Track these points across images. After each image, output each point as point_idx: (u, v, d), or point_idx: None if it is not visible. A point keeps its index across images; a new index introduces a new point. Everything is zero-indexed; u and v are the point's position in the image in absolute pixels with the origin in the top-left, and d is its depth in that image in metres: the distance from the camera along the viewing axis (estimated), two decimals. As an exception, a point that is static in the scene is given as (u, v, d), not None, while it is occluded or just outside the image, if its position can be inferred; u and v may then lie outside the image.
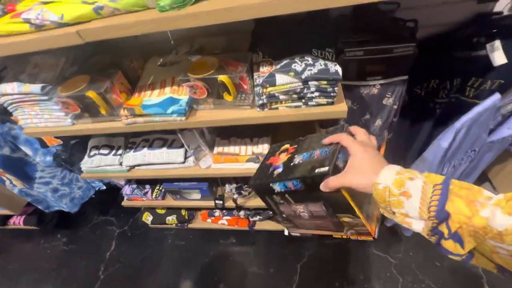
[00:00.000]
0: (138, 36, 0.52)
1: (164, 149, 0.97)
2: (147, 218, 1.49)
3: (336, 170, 0.43)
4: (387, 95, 0.77)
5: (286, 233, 1.34)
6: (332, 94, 0.62)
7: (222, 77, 0.65)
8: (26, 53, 0.58)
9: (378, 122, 0.85)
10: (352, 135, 0.48)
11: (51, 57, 0.77)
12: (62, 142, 1.12)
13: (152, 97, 0.75)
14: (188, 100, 0.73)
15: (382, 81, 0.74)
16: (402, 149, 1.14)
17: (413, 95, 0.95)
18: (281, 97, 0.64)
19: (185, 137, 0.89)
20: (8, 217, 1.67)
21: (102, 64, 0.82)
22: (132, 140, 1.05)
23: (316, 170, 0.45)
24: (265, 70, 0.64)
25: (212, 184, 1.17)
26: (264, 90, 0.63)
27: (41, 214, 1.60)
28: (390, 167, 0.40)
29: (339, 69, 0.59)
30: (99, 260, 1.60)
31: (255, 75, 0.67)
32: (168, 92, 0.75)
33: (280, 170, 0.54)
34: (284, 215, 0.64)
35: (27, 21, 0.55)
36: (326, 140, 0.48)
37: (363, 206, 0.47)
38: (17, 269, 1.65)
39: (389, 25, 0.69)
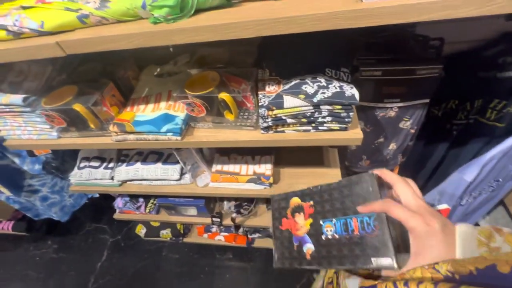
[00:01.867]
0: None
1: (159, 165, 0.90)
2: (141, 230, 1.42)
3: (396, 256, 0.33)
4: (404, 118, 0.70)
5: (286, 253, 1.27)
6: (346, 119, 0.55)
7: (224, 95, 0.58)
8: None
9: (393, 146, 0.78)
10: (389, 187, 0.37)
11: (37, 64, 0.70)
12: (50, 151, 1.05)
13: (146, 112, 0.68)
14: (185, 118, 0.66)
15: (400, 104, 0.66)
16: (413, 170, 1.07)
17: (429, 115, 0.88)
18: (289, 120, 0.57)
19: (180, 155, 0.82)
20: (-4, 222, 1.60)
21: (93, 73, 0.75)
22: (125, 152, 0.98)
23: (373, 260, 0.34)
24: (271, 89, 0.57)
25: (210, 201, 1.10)
26: (270, 113, 0.56)
27: (30, 220, 1.53)
28: (463, 233, 0.30)
29: (356, 92, 0.52)
30: (89, 271, 1.53)
31: (260, 93, 0.60)
32: (163, 107, 0.68)
33: (311, 247, 0.42)
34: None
35: (3, 27, 0.48)
36: (363, 209, 0.36)
37: None
38: (3, 276, 1.58)
39: (411, 43, 0.62)
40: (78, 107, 0.64)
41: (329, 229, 0.40)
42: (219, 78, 0.62)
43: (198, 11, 0.44)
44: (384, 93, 0.65)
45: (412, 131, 0.74)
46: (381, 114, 0.70)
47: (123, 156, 0.97)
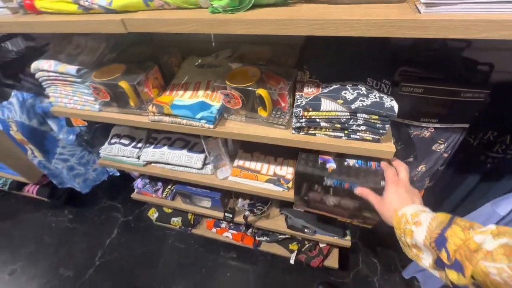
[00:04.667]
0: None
1: (184, 151, 0.93)
2: (153, 214, 1.46)
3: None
4: (439, 141, 0.68)
5: (292, 261, 1.25)
6: (381, 131, 0.55)
7: (261, 91, 0.59)
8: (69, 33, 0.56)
9: (422, 167, 0.76)
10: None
11: (93, 40, 0.76)
12: (87, 124, 1.12)
13: (184, 97, 0.71)
14: (220, 108, 0.68)
15: (437, 125, 0.65)
16: (439, 196, 1.02)
17: (463, 143, 0.85)
18: (322, 123, 0.58)
19: (207, 144, 0.84)
20: (24, 184, 1.70)
21: (141, 55, 0.79)
22: (154, 135, 1.02)
23: (382, 183, 0.60)
24: (309, 91, 0.58)
25: (225, 196, 1.11)
26: (305, 113, 0.56)
27: (53, 187, 1.61)
28: (413, 205, 0.50)
29: (395, 105, 0.52)
30: (98, 245, 1.59)
31: (297, 94, 0.61)
32: (200, 95, 0.71)
33: (333, 166, 0.66)
34: (306, 198, 0.75)
35: (76, 2, 0.53)
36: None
37: None
38: (20, 236, 1.68)
39: (458, 65, 0.60)
40: (123, 84, 0.68)
41: (353, 162, 0.65)
42: (259, 74, 0.64)
43: (255, 6, 0.46)
44: (422, 112, 0.63)
45: (445, 155, 0.71)
46: (415, 132, 0.68)
47: (152, 138, 1.01)
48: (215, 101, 0.69)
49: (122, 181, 1.58)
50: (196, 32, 0.47)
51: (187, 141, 0.97)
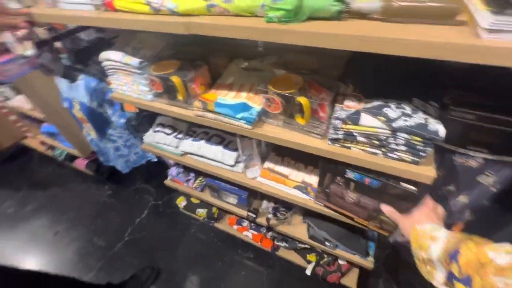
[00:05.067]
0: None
1: (220, 148, 0.98)
2: (181, 202, 1.54)
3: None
4: (487, 173, 0.63)
5: (308, 272, 1.24)
6: (421, 153, 0.53)
7: (301, 99, 0.61)
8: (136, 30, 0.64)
9: (463, 198, 0.70)
10: None
11: (155, 37, 0.84)
12: (137, 111, 1.23)
13: (227, 97, 0.76)
14: (260, 111, 0.71)
15: (487, 156, 0.60)
16: (480, 233, 0.94)
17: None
18: (360, 138, 0.58)
19: (242, 143, 0.88)
20: (76, 157, 1.92)
21: (193, 54, 0.86)
22: (193, 128, 1.09)
23: (401, 183, 0.61)
24: (351, 104, 0.58)
25: (251, 196, 1.14)
26: (344, 126, 0.57)
27: (99, 164, 1.79)
28: (434, 224, 0.51)
29: (441, 129, 0.50)
30: (129, 222, 1.72)
31: (338, 106, 0.62)
32: (243, 97, 0.75)
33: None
34: (327, 190, 0.77)
35: (149, 3, 0.60)
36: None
37: None
38: (66, 203, 1.88)
39: (519, 94, 0.56)
40: (175, 79, 0.74)
41: None
42: (301, 83, 0.66)
43: (309, 18, 0.48)
44: (471, 139, 0.60)
45: (493, 189, 0.66)
46: (460, 160, 0.64)
47: (192, 131, 1.08)
48: (256, 103, 0.73)
49: (158, 168, 1.69)
50: (250, 38, 0.50)
51: (223, 137, 1.02)
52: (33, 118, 1.74)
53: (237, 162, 0.97)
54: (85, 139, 1.55)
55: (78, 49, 1.23)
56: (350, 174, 0.67)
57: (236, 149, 0.96)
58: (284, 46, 0.48)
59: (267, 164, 0.95)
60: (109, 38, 1.16)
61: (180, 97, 0.79)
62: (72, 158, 1.94)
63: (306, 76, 0.68)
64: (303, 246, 1.28)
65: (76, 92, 1.22)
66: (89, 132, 1.44)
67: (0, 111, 1.80)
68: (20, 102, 1.66)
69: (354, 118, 0.55)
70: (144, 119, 1.35)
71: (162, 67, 0.78)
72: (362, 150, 0.60)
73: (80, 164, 1.90)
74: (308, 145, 0.65)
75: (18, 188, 2.00)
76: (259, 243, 1.37)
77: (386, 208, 0.65)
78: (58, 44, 1.21)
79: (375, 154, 0.59)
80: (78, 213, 1.81)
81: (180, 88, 0.76)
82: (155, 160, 1.67)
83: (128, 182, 1.95)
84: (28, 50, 1.23)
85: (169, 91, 0.80)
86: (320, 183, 0.77)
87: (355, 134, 0.57)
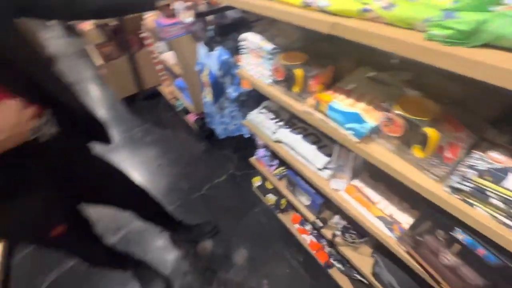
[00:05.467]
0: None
1: (313, 147, 0.98)
2: (256, 182, 1.65)
3: None
4: None
5: (355, 306, 1.14)
6: None
7: (431, 131, 0.53)
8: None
9: None
10: None
11: (291, 28, 0.88)
12: (250, 89, 1.35)
13: (343, 103, 0.74)
14: (373, 127, 0.66)
15: None
16: None
17: None
18: (494, 201, 0.46)
19: (339, 151, 0.85)
20: (189, 112, 2.29)
21: (322, 51, 0.86)
22: (294, 120, 1.12)
23: None
24: (498, 158, 0.47)
25: (326, 203, 1.11)
26: (477, 179, 0.47)
27: (204, 123, 2.09)
28: None
29: None
30: (209, 180, 1.97)
31: (477, 153, 0.51)
32: (360, 107, 0.71)
33: None
34: (419, 238, 0.66)
35: (303, -3, 0.63)
36: None
37: None
38: (171, 144, 2.30)
39: None
40: (298, 71, 0.77)
41: None
42: (436, 112, 0.57)
43: (483, 45, 0.40)
44: None
45: None
46: None
47: (291, 123, 1.11)
48: (372, 118, 0.68)
49: (247, 143, 1.84)
50: (399, 54, 0.46)
51: (319, 138, 1.01)
52: (172, 72, 2.15)
53: (325, 167, 0.95)
54: (201, 100, 1.82)
55: (222, 24, 1.42)
56: (459, 235, 0.55)
57: (329, 155, 0.94)
58: (426, 64, 0.42)
59: (357, 182, 0.89)
60: (251, 21, 1.29)
61: (295, 90, 0.82)
62: (186, 111, 2.33)
63: (445, 105, 0.58)
64: (359, 278, 1.18)
65: (210, 60, 1.43)
66: (206, 95, 1.68)
67: (154, 60, 2.31)
68: (169, 57, 2.07)
69: (497, 175, 0.44)
70: (252, 99, 1.47)
71: (290, 57, 0.82)
72: (490, 214, 0.49)
73: (191, 118, 2.26)
74: (417, 182, 0.57)
75: (146, 121, 2.57)
76: (314, 252, 1.34)
77: None
78: (209, 18, 1.43)
79: (508, 226, 0.47)
80: (177, 155, 2.20)
81: (299, 81, 0.78)
82: (247, 136, 1.82)
83: (220, 145, 2.21)
84: (188, 18, 1.50)
85: (287, 81, 0.84)
86: (414, 227, 0.68)
87: (488, 193, 0.46)
